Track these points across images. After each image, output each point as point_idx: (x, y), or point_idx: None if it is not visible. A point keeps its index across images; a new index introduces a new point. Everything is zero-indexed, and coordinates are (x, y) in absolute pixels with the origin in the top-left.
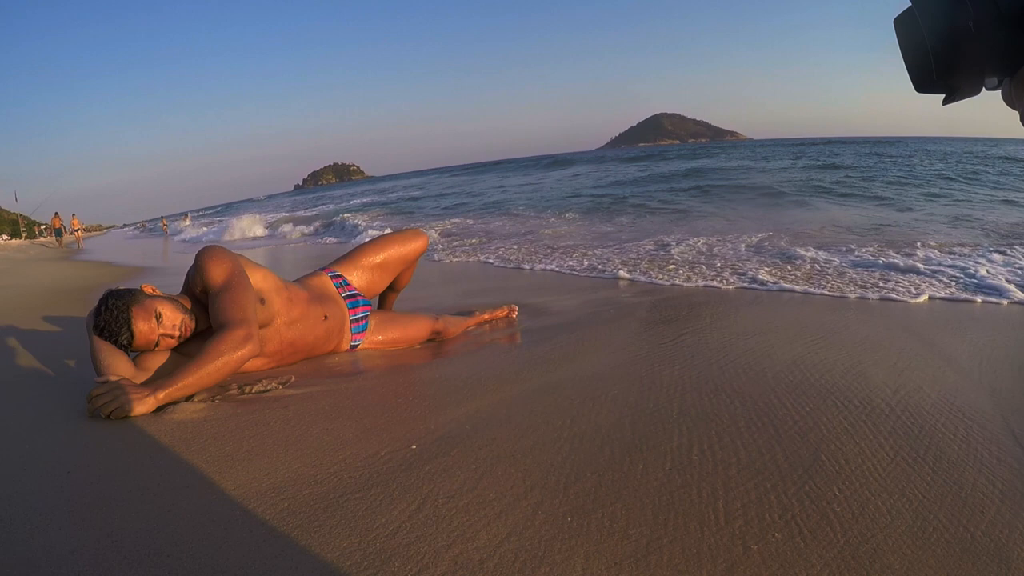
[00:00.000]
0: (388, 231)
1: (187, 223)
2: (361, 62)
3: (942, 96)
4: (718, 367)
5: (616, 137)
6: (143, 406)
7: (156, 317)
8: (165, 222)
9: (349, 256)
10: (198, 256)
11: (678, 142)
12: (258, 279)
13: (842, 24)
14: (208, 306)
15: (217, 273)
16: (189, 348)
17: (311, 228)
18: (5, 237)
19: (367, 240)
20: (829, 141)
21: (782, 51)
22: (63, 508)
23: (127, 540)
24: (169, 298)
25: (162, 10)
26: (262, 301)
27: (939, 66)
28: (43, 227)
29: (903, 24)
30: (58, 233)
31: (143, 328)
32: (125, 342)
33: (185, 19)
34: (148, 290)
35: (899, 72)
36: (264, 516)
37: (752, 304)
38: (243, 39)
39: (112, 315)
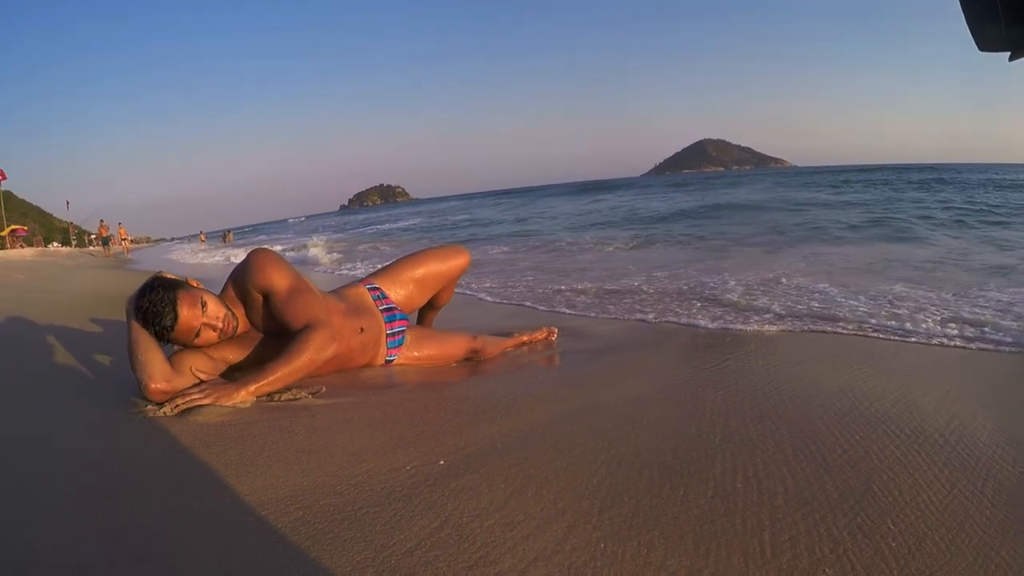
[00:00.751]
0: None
1: (230, 239)
2: (410, 84)
3: (1007, 54)
4: (763, 393)
5: (660, 163)
6: (231, 399)
7: (201, 305)
8: (204, 236)
9: (388, 269)
10: (254, 259)
11: (722, 169)
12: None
13: (882, 50)
14: (273, 308)
15: (281, 276)
16: (224, 352)
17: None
18: (56, 244)
19: (408, 253)
20: (870, 168)
21: (824, 78)
22: (70, 499)
23: (132, 536)
24: (214, 294)
25: (219, 31)
26: None
27: (1007, 13)
28: (92, 236)
29: None
30: (104, 242)
31: (187, 314)
32: (168, 323)
33: (239, 40)
34: (194, 283)
35: (937, 93)
36: (277, 524)
37: (797, 332)
38: (287, 60)
39: (157, 296)
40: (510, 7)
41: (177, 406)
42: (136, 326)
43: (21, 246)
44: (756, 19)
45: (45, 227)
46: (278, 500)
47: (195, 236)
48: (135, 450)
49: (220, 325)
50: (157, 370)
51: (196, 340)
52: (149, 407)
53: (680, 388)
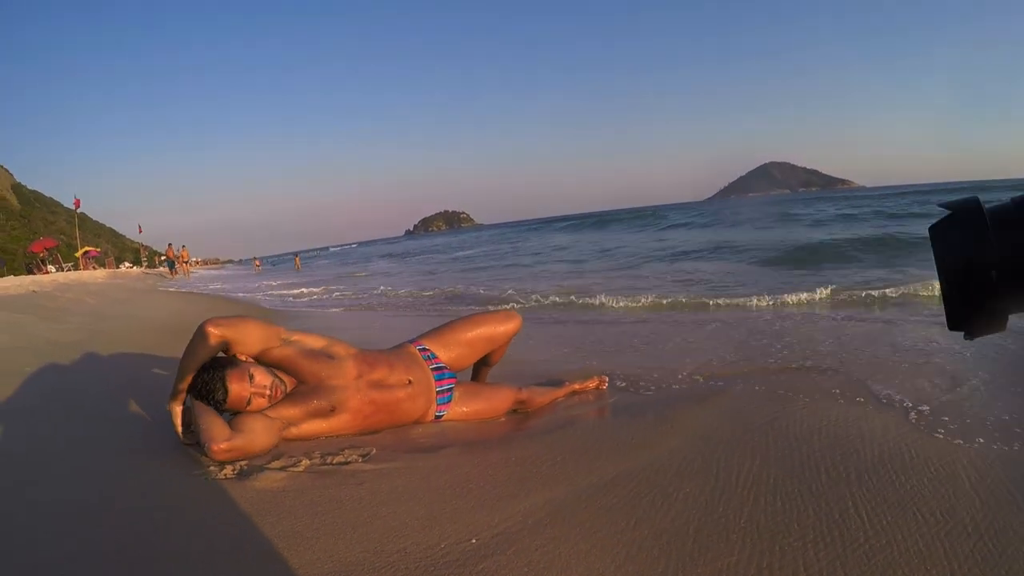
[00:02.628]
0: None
1: (298, 265)
2: (476, 111)
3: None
4: (799, 462)
5: (725, 188)
6: (174, 416)
7: (249, 377)
8: (258, 262)
9: (439, 330)
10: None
11: (788, 191)
12: (314, 341)
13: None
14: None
15: (249, 343)
16: (280, 410)
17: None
18: (127, 264)
19: (461, 317)
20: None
21: (890, 96)
22: (128, 562)
23: None
24: (261, 364)
25: (293, 64)
26: (330, 357)
27: (953, 307)
28: (162, 257)
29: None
30: (170, 264)
31: (236, 388)
32: (221, 398)
33: (310, 64)
34: (243, 358)
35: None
36: None
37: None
38: (351, 85)
39: (208, 375)
40: (570, 36)
41: (236, 468)
42: (196, 402)
43: (94, 267)
44: (813, 36)
45: (117, 247)
46: (323, 575)
47: (250, 260)
48: (195, 514)
49: (268, 392)
50: (218, 433)
51: (248, 408)
52: (211, 467)
53: (719, 453)
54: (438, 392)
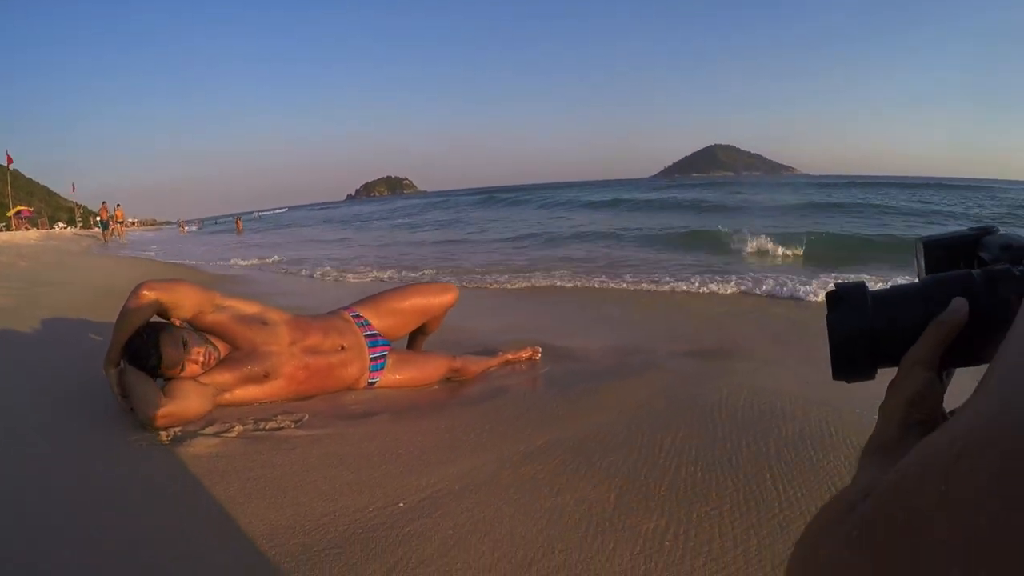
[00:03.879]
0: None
1: (240, 228)
2: (417, 77)
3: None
4: (723, 434)
5: (669, 166)
6: (110, 379)
7: (182, 343)
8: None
9: (373, 299)
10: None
11: (732, 174)
12: (248, 307)
13: (895, 61)
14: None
15: (184, 304)
16: (213, 375)
17: None
18: (61, 225)
19: (396, 286)
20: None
21: (834, 86)
22: (70, 524)
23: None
24: (195, 330)
25: (230, 17)
26: (264, 323)
27: (839, 363)
28: (96, 218)
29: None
30: (103, 225)
31: (170, 352)
32: (154, 363)
33: (246, 25)
34: (177, 323)
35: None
36: (252, 560)
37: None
38: (300, 47)
39: (142, 340)
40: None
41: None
42: (130, 367)
43: (26, 227)
44: (769, 20)
45: (51, 206)
46: (255, 537)
47: (192, 220)
48: (129, 481)
49: (201, 359)
50: (152, 400)
51: (182, 374)
52: (147, 433)
53: (644, 426)
54: (371, 359)
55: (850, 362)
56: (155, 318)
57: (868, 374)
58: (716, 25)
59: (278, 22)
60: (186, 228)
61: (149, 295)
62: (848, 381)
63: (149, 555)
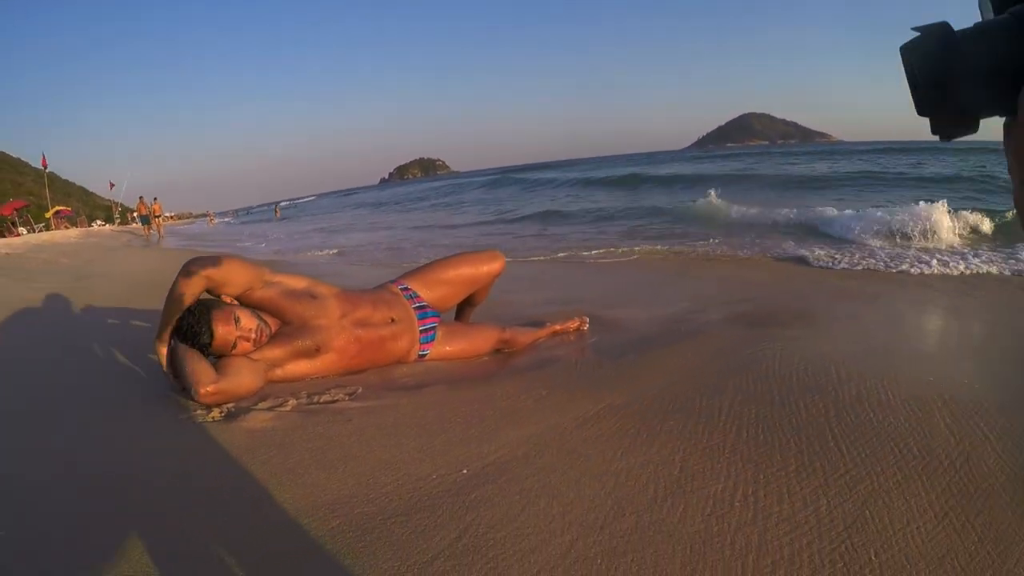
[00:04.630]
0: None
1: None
2: (451, 58)
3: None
4: (780, 399)
5: (703, 137)
6: (161, 359)
7: (234, 320)
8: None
9: (420, 270)
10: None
11: (767, 142)
12: (296, 281)
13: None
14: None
15: (235, 283)
16: (264, 352)
17: None
18: (99, 222)
19: (443, 256)
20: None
21: (869, 51)
22: (122, 505)
23: (174, 538)
24: (245, 306)
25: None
26: (313, 297)
27: (930, 109)
28: (134, 213)
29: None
30: (144, 220)
31: (222, 330)
32: (206, 340)
33: (276, 13)
34: (228, 300)
35: None
36: (316, 532)
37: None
38: (330, 34)
39: (194, 317)
40: None
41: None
42: (180, 344)
43: (66, 227)
44: None
45: (89, 205)
46: (317, 507)
47: (225, 212)
48: (187, 455)
49: (253, 336)
50: (204, 376)
51: (234, 351)
52: (198, 412)
53: (701, 391)
54: (421, 331)
55: (939, 98)
56: (204, 295)
57: (965, 120)
58: None
59: (303, 8)
60: (215, 220)
61: (198, 271)
62: (940, 131)
63: (212, 529)
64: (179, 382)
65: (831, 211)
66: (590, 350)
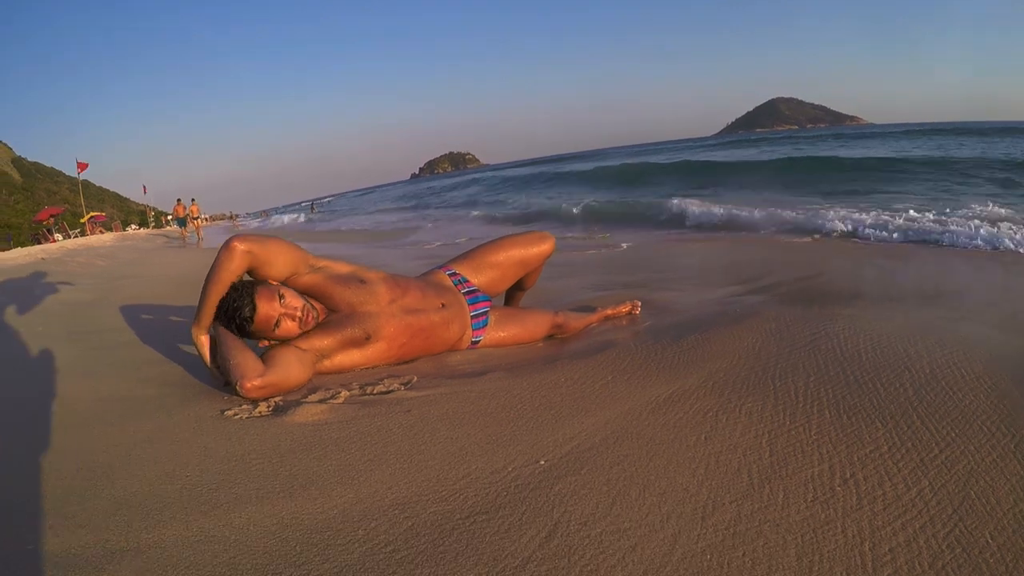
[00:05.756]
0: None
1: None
2: (479, 51)
3: None
4: (854, 378)
5: (732, 123)
6: (200, 346)
7: (279, 297)
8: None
9: (467, 255)
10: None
11: (796, 127)
12: (342, 267)
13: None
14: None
15: (278, 264)
16: (312, 340)
17: None
18: (134, 227)
19: (490, 240)
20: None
21: (896, 32)
22: (167, 505)
23: (234, 548)
24: (293, 289)
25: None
26: (362, 282)
27: None
28: (169, 216)
29: None
30: (181, 222)
31: (265, 306)
32: (248, 315)
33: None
34: (274, 282)
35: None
36: (388, 535)
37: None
38: (355, 29)
39: (236, 292)
40: None
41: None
42: (223, 330)
43: (100, 231)
44: None
45: (123, 211)
46: (385, 509)
47: (256, 213)
48: (235, 455)
49: (299, 315)
50: (250, 368)
51: (276, 331)
52: (244, 406)
53: (769, 371)
54: (473, 317)
55: None
56: (246, 277)
57: None
58: None
59: (331, 7)
60: (239, 223)
61: (241, 247)
62: None
63: (267, 536)
64: (221, 375)
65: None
66: (646, 333)
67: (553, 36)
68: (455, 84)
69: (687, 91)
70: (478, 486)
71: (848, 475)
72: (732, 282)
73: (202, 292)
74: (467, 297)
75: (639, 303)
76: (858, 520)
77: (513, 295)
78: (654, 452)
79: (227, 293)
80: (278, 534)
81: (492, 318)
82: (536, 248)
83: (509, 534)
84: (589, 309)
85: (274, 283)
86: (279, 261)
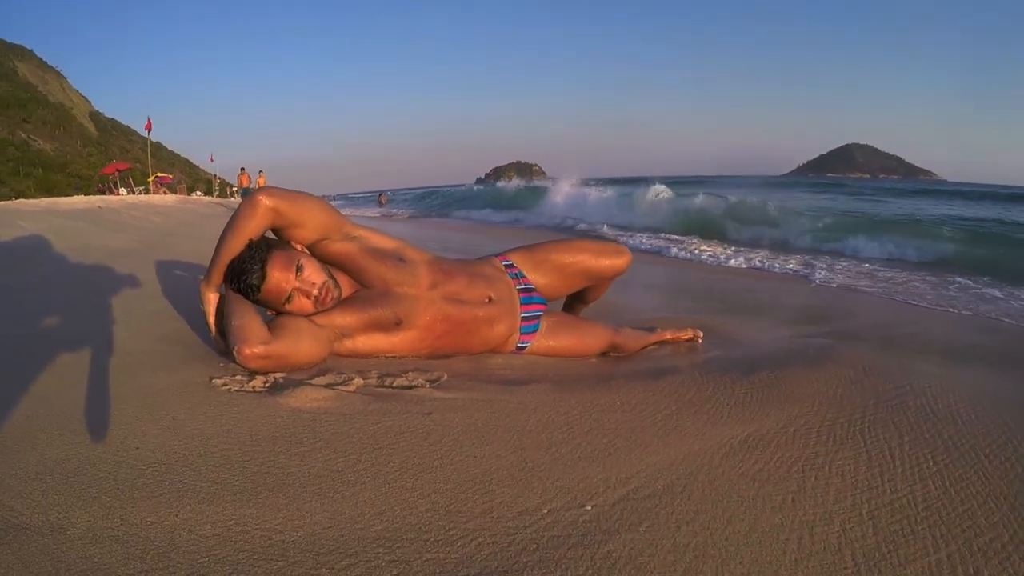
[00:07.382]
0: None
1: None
2: (549, 65)
3: None
4: (952, 442)
5: (803, 164)
6: (207, 303)
7: (296, 268)
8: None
9: (532, 248)
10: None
11: (868, 176)
12: (384, 241)
13: None
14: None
15: (312, 222)
16: (333, 316)
17: None
18: (199, 193)
19: (561, 238)
20: None
21: (981, 88)
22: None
23: (162, 551)
24: (317, 262)
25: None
26: (402, 260)
27: None
28: (234, 188)
29: None
30: (244, 193)
31: (277, 275)
32: (255, 282)
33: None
34: (298, 246)
35: None
36: None
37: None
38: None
39: (249, 253)
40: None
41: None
42: (231, 292)
43: (164, 192)
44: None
45: (191, 177)
46: (366, 543)
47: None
48: (203, 433)
49: (315, 293)
50: (253, 333)
51: (287, 306)
52: (237, 377)
53: (855, 424)
54: (523, 319)
55: None
56: (270, 235)
57: None
58: (857, 13)
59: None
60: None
61: (267, 202)
62: None
63: (199, 548)
64: (222, 340)
65: None
66: (711, 364)
67: (626, 57)
68: (528, 90)
69: (765, 125)
70: (499, 529)
71: (972, 571)
72: (803, 321)
73: (217, 245)
74: (521, 295)
75: (701, 333)
76: None
77: (572, 306)
78: (732, 513)
79: (241, 251)
80: (213, 549)
81: (545, 324)
82: (608, 260)
83: None
84: (649, 329)
85: (298, 248)
86: (309, 223)
